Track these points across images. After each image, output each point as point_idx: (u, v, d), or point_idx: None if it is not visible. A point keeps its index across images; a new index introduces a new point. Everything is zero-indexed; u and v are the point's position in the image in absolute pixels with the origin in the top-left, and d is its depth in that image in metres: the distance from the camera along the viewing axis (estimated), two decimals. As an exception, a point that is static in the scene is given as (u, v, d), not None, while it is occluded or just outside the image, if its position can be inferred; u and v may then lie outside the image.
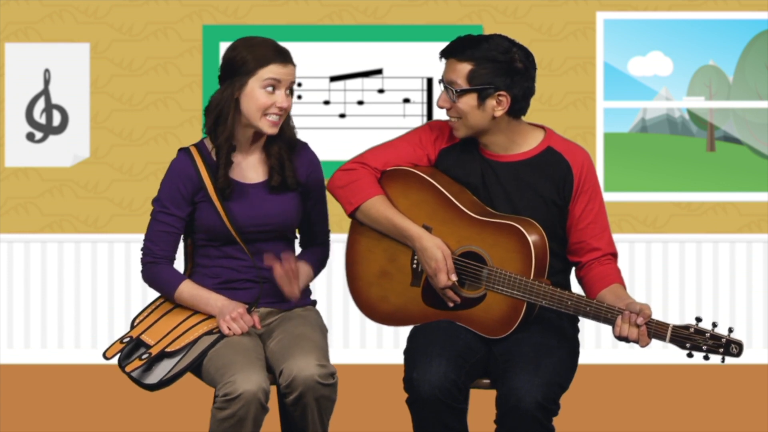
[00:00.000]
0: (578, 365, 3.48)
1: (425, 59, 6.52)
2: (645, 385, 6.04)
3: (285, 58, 3.46)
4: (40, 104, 6.60)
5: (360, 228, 3.54)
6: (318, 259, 3.66)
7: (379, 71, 6.62)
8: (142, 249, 3.55)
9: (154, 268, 3.53)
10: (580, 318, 3.58)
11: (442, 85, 3.42)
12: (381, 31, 6.60)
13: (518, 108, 3.41)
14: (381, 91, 6.63)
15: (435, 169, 3.51)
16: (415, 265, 3.46)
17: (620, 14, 6.64)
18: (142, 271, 3.56)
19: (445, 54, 3.42)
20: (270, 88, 3.44)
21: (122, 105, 6.64)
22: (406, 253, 3.47)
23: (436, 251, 3.38)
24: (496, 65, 3.36)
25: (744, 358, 6.41)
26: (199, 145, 3.55)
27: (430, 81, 6.56)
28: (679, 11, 6.64)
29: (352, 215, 3.51)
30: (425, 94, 6.57)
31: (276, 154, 3.53)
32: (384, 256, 3.49)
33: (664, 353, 6.54)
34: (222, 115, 3.47)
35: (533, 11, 6.60)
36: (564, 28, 6.63)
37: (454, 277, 3.38)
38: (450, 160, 3.50)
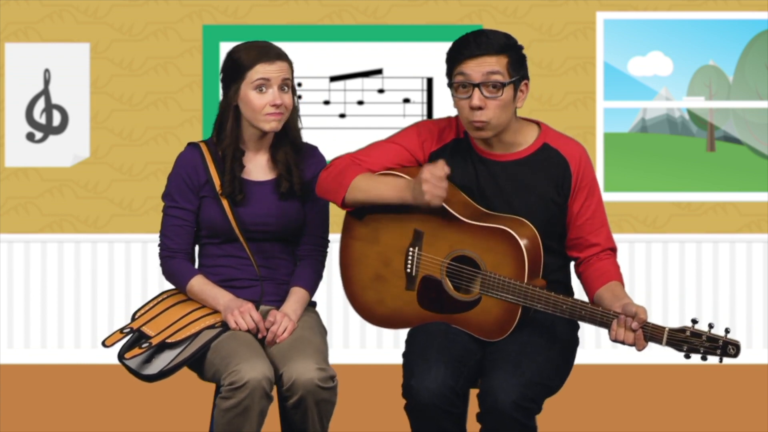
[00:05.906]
0: (578, 365, 3.47)
1: (425, 59, 6.51)
2: (644, 385, 6.04)
3: (270, 56, 3.46)
4: (40, 104, 6.60)
5: (353, 232, 3.49)
6: (312, 278, 3.62)
7: (379, 71, 6.62)
8: (159, 245, 3.58)
9: (170, 261, 3.56)
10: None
11: (467, 88, 3.28)
12: (381, 31, 6.60)
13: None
14: (381, 91, 6.63)
15: None
16: (408, 270, 3.44)
17: (620, 14, 6.63)
18: (161, 266, 3.59)
19: (471, 53, 3.26)
20: (261, 88, 3.46)
21: (122, 105, 6.64)
22: (399, 258, 3.44)
23: (422, 173, 3.26)
24: (519, 55, 3.32)
25: (744, 358, 6.44)
26: (209, 142, 3.59)
27: (430, 81, 6.55)
28: (679, 11, 6.64)
29: (344, 203, 3.42)
30: (425, 94, 6.57)
31: (283, 160, 3.55)
32: (378, 260, 3.46)
33: (663, 353, 6.53)
34: (222, 123, 3.52)
35: (533, 11, 6.60)
36: (564, 28, 6.63)
37: (446, 168, 3.27)
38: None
